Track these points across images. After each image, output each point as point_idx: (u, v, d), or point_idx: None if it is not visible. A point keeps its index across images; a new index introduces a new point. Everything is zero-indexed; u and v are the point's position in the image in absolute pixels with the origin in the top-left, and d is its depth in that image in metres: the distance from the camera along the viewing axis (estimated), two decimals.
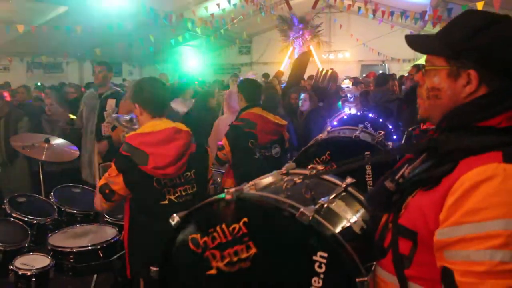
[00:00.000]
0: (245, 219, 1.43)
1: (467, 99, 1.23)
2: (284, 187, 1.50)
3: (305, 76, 10.07)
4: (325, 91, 7.28)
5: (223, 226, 1.47)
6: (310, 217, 1.30)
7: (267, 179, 1.62)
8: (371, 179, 2.72)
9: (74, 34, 9.87)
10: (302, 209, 1.31)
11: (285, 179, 1.58)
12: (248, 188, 1.51)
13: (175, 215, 1.58)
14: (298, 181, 1.54)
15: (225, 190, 1.45)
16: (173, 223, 1.58)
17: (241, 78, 5.87)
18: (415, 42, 1.38)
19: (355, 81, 9.23)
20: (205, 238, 1.51)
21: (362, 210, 1.57)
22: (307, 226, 1.31)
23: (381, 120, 4.39)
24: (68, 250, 3.28)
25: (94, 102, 5.37)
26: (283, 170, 1.70)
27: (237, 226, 1.44)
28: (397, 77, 11.10)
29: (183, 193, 2.80)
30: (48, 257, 3.24)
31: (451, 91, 1.25)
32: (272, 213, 1.41)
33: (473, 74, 1.20)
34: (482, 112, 1.20)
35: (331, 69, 9.09)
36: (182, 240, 1.58)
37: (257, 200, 1.46)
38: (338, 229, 1.39)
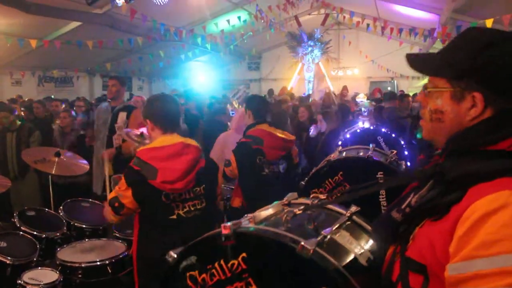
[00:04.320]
0: (244, 254, 1.36)
1: (471, 122, 1.17)
2: (284, 219, 1.43)
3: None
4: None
5: (222, 262, 1.40)
6: (312, 251, 1.23)
7: (267, 211, 1.55)
8: (384, 199, 2.67)
9: (85, 48, 9.99)
10: (302, 243, 1.24)
11: (285, 210, 1.51)
12: (247, 221, 1.45)
13: (171, 252, 1.53)
14: (298, 212, 1.47)
15: (222, 225, 1.39)
16: (170, 260, 1.52)
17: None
18: (415, 61, 1.31)
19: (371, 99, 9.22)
20: (204, 275, 1.45)
21: (369, 240, 1.49)
22: (309, 261, 1.24)
23: (393, 135, 4.36)
24: (76, 265, 3.27)
25: (106, 116, 5.42)
26: (285, 200, 1.64)
27: (235, 262, 1.37)
28: (405, 93, 11.11)
29: (192, 208, 2.80)
30: (56, 272, 3.23)
31: (455, 114, 1.19)
32: (271, 247, 1.35)
33: (478, 96, 1.14)
34: (489, 135, 1.13)
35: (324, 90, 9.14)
36: (180, 277, 1.51)
37: (255, 234, 1.40)
38: (342, 262, 1.31)
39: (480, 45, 1.15)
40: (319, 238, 1.30)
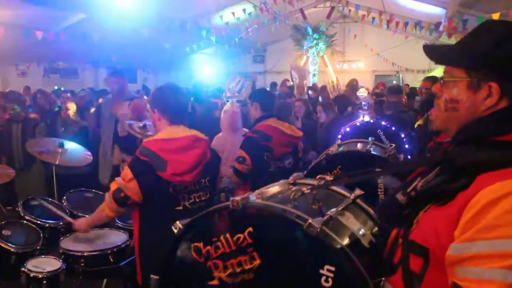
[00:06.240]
0: (250, 229, 1.38)
1: (486, 112, 1.19)
2: (292, 197, 1.45)
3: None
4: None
5: (227, 235, 1.42)
6: (318, 229, 1.25)
7: (273, 188, 1.57)
8: (383, 194, 2.66)
9: (90, 40, 10.01)
10: (310, 220, 1.26)
11: (293, 188, 1.53)
12: (255, 197, 1.46)
13: (178, 222, 1.55)
14: (306, 191, 1.49)
15: (231, 199, 1.41)
16: (175, 231, 1.54)
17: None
18: (433, 52, 1.33)
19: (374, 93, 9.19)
20: (208, 247, 1.46)
21: (371, 223, 1.52)
22: (314, 238, 1.26)
23: (393, 128, 4.35)
24: (79, 254, 3.32)
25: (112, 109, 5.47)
26: (291, 180, 1.66)
27: (241, 236, 1.39)
28: (410, 87, 11.06)
29: (197, 200, 2.83)
30: (59, 261, 3.28)
31: (470, 103, 1.21)
32: (278, 223, 1.36)
33: (495, 86, 1.16)
34: (502, 126, 1.15)
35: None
36: (185, 248, 1.54)
37: (263, 210, 1.40)
38: (346, 242, 1.33)
39: (500, 37, 1.17)
40: (325, 218, 1.31)
